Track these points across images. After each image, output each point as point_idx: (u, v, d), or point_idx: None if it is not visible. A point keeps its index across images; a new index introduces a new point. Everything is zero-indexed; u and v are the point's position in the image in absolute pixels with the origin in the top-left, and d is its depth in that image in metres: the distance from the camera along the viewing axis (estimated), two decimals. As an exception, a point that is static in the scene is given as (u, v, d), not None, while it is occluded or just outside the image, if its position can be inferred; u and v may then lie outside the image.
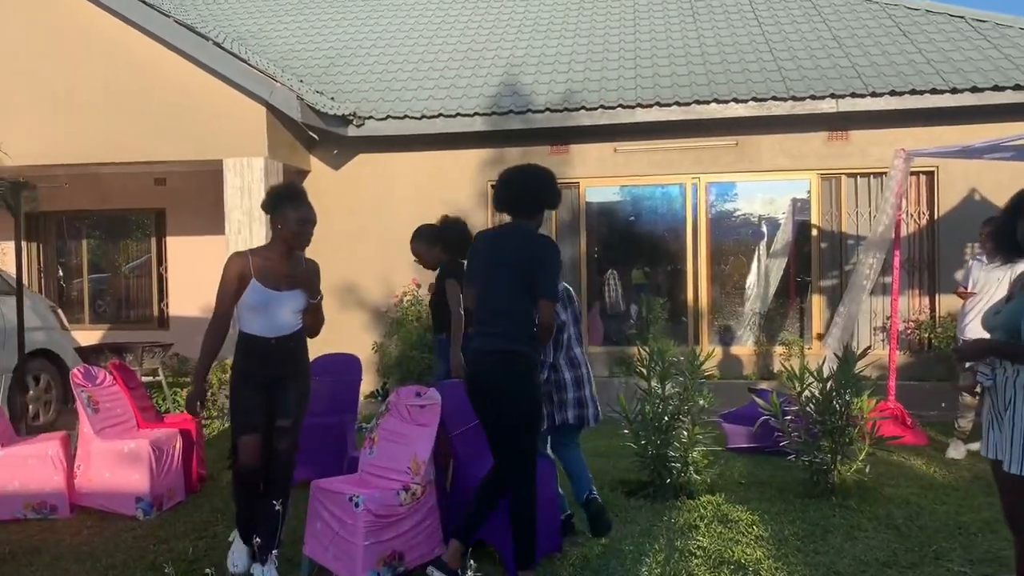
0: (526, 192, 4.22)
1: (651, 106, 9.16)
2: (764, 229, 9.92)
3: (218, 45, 8.82)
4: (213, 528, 5.04)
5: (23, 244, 7.20)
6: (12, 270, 7.01)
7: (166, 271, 12.02)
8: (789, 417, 5.69)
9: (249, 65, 8.83)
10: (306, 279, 4.26)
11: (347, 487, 4.16)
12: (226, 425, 8.14)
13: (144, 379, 6.93)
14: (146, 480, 5.32)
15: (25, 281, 7.24)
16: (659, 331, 9.34)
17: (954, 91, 8.71)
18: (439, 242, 5.79)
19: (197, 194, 11.36)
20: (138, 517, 5.26)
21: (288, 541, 4.52)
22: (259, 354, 4.22)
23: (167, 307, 12.00)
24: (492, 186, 9.96)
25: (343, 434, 5.83)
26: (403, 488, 4.13)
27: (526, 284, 3.94)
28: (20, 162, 8.96)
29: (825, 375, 5.53)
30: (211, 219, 10.82)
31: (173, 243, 11.98)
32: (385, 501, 4.05)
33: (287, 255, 4.26)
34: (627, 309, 10.28)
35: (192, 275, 11.57)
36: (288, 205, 4.20)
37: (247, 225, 8.87)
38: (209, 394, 8.21)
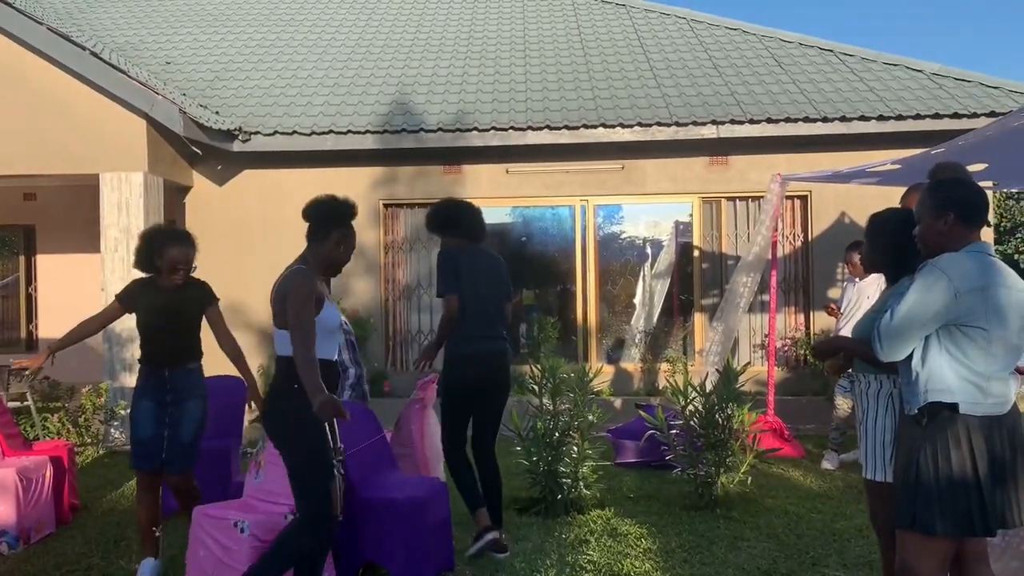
0: (465, 218, 5.06)
1: (541, 128, 9.31)
2: (649, 250, 10.21)
3: (95, 55, 8.46)
4: (87, 560, 4.77)
5: None
6: None
7: (35, 291, 11.40)
8: (674, 431, 5.85)
9: (129, 76, 8.50)
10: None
11: (232, 512, 4.03)
12: (102, 452, 7.76)
13: (11, 404, 6.52)
14: (12, 511, 4.99)
15: None
16: (550, 349, 9.46)
17: (825, 120, 9.22)
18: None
19: (70, 210, 10.85)
20: (2, 551, 4.93)
21: (165, 571, 4.34)
22: (332, 383, 3.66)
23: (36, 328, 11.37)
24: (385, 205, 9.92)
25: (227, 458, 5.64)
26: (291, 512, 4.02)
27: (505, 294, 4.95)
28: None
29: (707, 390, 5.73)
30: (85, 236, 10.34)
31: (44, 261, 11.38)
32: (272, 526, 3.94)
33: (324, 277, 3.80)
34: (517, 328, 10.37)
35: (64, 295, 11.00)
36: (347, 226, 3.80)
37: (123, 242, 8.50)
38: (82, 419, 7.82)
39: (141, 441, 4.40)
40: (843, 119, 9.22)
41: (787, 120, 9.27)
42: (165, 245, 4.44)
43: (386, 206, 9.99)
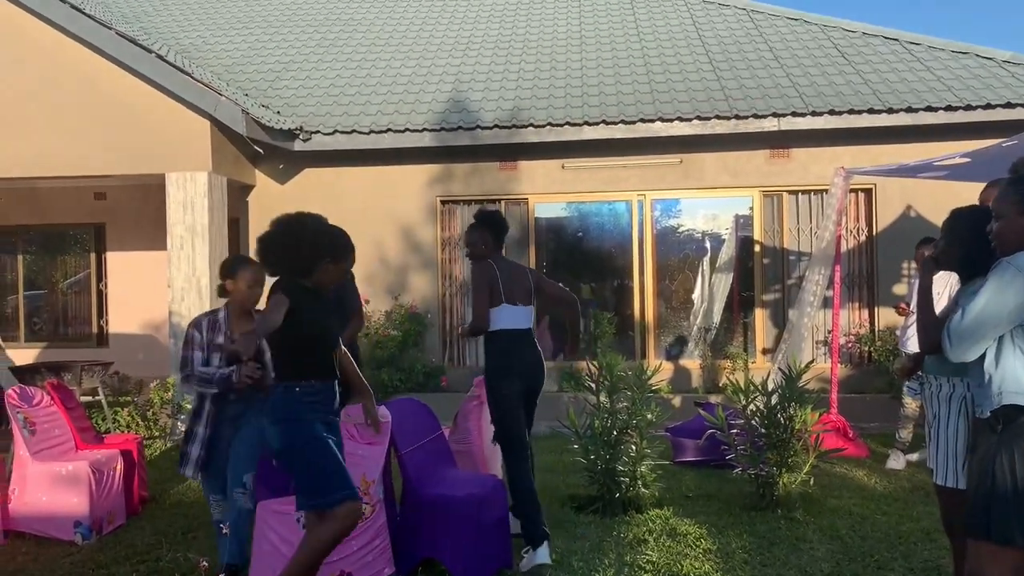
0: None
1: (597, 123, 9.26)
2: (708, 245, 10.08)
3: (161, 58, 8.68)
4: (156, 552, 4.90)
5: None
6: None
7: (106, 287, 11.74)
8: (735, 430, 5.77)
9: (193, 78, 8.70)
10: None
11: (294, 507, 4.09)
12: (169, 445, 7.97)
13: (83, 399, 6.74)
14: (85, 503, 5.16)
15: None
16: (607, 346, 9.42)
17: (890, 111, 8.98)
18: None
19: (138, 209, 11.14)
20: (76, 542, 5.10)
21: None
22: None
23: (107, 324, 11.72)
24: (441, 201, 9.98)
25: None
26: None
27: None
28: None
29: (770, 389, 5.63)
30: (152, 234, 10.63)
31: (113, 258, 11.72)
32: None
33: None
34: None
35: (133, 291, 11.33)
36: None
37: (189, 240, 8.72)
38: (150, 412, 8.04)
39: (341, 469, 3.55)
40: (909, 110, 8.98)
41: (850, 112, 9.05)
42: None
43: (443, 203, 10.05)
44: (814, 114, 9.08)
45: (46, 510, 5.19)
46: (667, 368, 9.50)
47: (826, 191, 8.95)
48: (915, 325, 6.17)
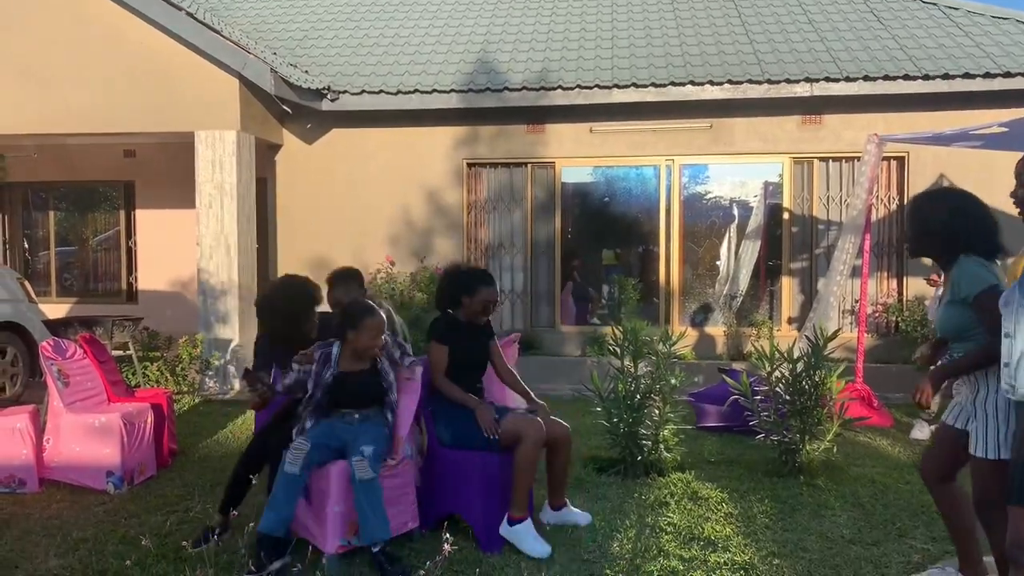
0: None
1: (627, 87, 9.17)
2: (736, 212, 10.00)
3: (190, 15, 8.67)
4: (185, 503, 5.01)
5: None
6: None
7: (135, 244, 11.87)
8: (759, 397, 5.77)
9: (222, 36, 8.69)
10: None
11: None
12: (197, 400, 8.10)
13: (114, 353, 6.85)
14: (117, 454, 5.27)
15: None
16: (631, 312, 9.41)
17: (926, 78, 8.81)
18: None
19: (167, 166, 11.20)
20: (108, 491, 5.22)
21: (255, 515, 4.51)
22: None
23: (136, 281, 11.85)
24: (468, 164, 9.95)
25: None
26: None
27: None
28: (-15, 131, 8.79)
29: (796, 356, 5.61)
30: (181, 192, 10.70)
31: (143, 216, 11.82)
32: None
33: None
34: (598, 289, 10.36)
35: (161, 248, 11.44)
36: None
37: (218, 199, 8.77)
38: (179, 368, 8.16)
39: None
40: (945, 76, 8.80)
41: (885, 78, 8.89)
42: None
43: (469, 165, 10.02)
44: (848, 79, 8.93)
45: (79, 460, 5.31)
46: (692, 335, 9.48)
47: (858, 159, 8.82)
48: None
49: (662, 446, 5.57)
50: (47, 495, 5.20)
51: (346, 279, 5.06)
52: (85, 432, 5.32)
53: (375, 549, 3.88)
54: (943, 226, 3.28)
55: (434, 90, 9.47)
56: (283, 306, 4.53)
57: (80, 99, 8.83)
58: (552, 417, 4.45)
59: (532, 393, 4.64)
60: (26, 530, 4.59)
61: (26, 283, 8.40)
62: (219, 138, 8.75)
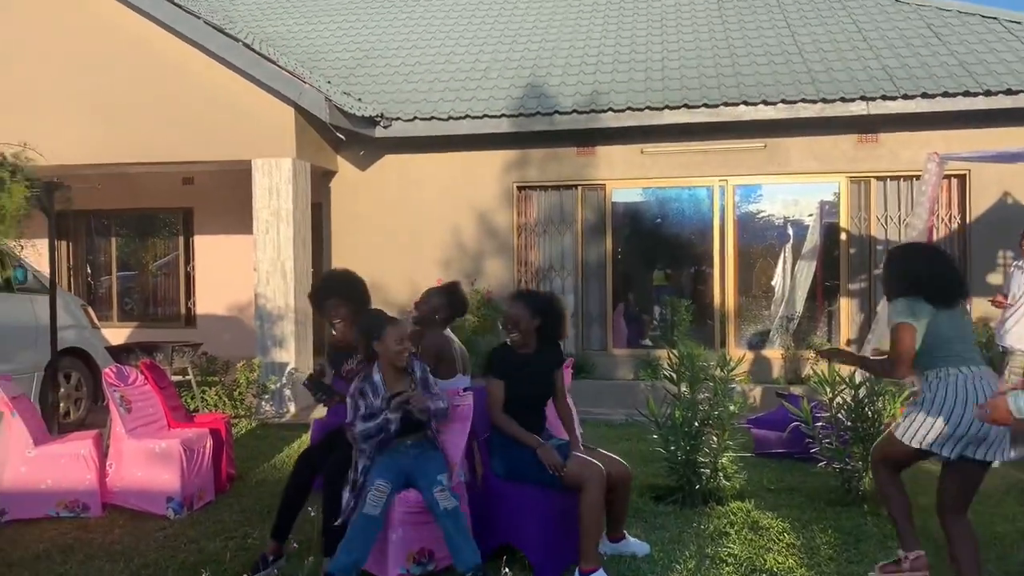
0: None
1: (679, 108, 9.12)
2: (791, 232, 9.85)
3: (247, 46, 8.87)
4: (243, 529, 5.05)
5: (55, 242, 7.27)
6: (44, 268, 7.09)
7: (193, 270, 12.12)
8: (820, 423, 5.64)
9: (278, 66, 8.87)
10: None
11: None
12: (254, 424, 8.20)
13: (174, 378, 6.97)
14: (176, 479, 5.34)
15: (56, 279, 7.30)
16: (683, 334, 9.31)
17: (988, 94, 8.60)
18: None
19: (225, 193, 11.45)
20: (168, 516, 5.29)
21: (318, 539, 4.53)
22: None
23: (194, 305, 12.10)
24: (518, 187, 9.97)
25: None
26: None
27: None
28: (53, 162, 9.05)
29: (858, 381, 5.47)
30: (238, 218, 10.91)
31: (201, 242, 12.09)
32: (416, 496, 4.05)
33: None
34: (650, 311, 10.27)
35: (219, 274, 11.68)
36: None
37: (274, 225, 8.92)
38: (236, 392, 8.28)
39: None
40: (1008, 92, 8.59)
41: (944, 95, 8.71)
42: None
43: (519, 188, 10.05)
44: (906, 97, 8.76)
45: (140, 485, 5.40)
46: (747, 357, 9.31)
47: (916, 177, 8.67)
48: (1014, 317, 5.90)
49: (721, 474, 5.47)
50: (109, 519, 5.30)
51: (450, 294, 5.09)
52: (146, 457, 5.41)
53: None
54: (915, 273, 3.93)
55: (485, 115, 9.53)
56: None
57: (142, 129, 9.07)
58: (612, 456, 4.38)
59: (579, 439, 4.52)
60: (89, 555, 4.67)
61: (89, 310, 8.61)
62: (275, 165, 8.91)
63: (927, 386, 3.83)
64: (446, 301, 5.02)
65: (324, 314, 4.84)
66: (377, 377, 4.15)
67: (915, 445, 3.81)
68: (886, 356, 4.03)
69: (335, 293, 4.81)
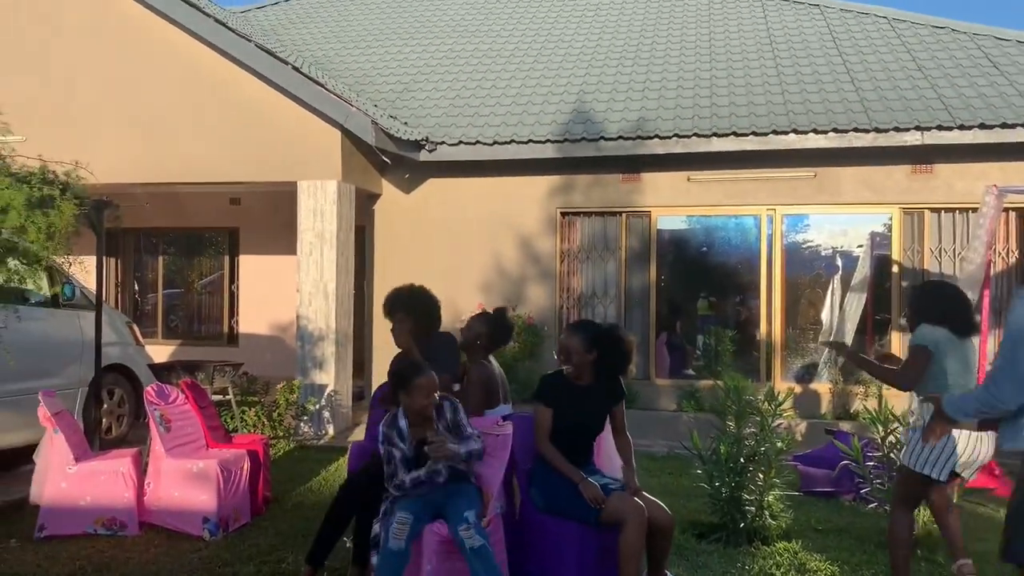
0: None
1: (727, 135, 8.99)
2: (840, 263, 9.63)
3: (296, 69, 8.96)
4: (278, 553, 4.99)
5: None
6: (91, 285, 7.17)
7: (237, 289, 12.23)
8: (871, 463, 5.43)
9: (326, 89, 8.94)
10: None
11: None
12: (292, 445, 8.17)
13: (214, 397, 6.98)
14: (213, 500, 5.32)
15: (103, 296, 7.38)
16: (727, 365, 9.12)
17: (1048, 125, 8.35)
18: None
19: (270, 214, 11.55)
20: (204, 537, 5.26)
21: (343, 566, 4.46)
22: None
23: (237, 324, 12.19)
24: (562, 213, 9.90)
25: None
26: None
27: None
28: (102, 180, 9.20)
29: (911, 420, 5.26)
30: (283, 239, 10.98)
31: (245, 261, 12.20)
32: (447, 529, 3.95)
33: None
34: (693, 341, 10.10)
35: (262, 293, 11.76)
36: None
37: (318, 247, 8.95)
38: (275, 413, 8.27)
39: None
40: (1071, 123, 8.31)
41: (1003, 126, 8.48)
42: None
43: (563, 214, 9.97)
44: (962, 128, 8.54)
45: (177, 505, 5.38)
46: (794, 391, 9.09)
47: (972, 210, 8.42)
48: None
49: (767, 512, 5.29)
50: (146, 539, 5.28)
51: (493, 320, 4.98)
52: (184, 477, 5.40)
53: None
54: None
55: (530, 140, 9.50)
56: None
57: (190, 149, 9.19)
58: (655, 501, 4.21)
59: (634, 474, 4.34)
60: (124, 574, 4.65)
61: (134, 327, 8.69)
62: (320, 187, 8.95)
63: (925, 410, 4.20)
64: (488, 329, 4.94)
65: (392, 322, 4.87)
66: (403, 423, 4.06)
67: (917, 470, 4.21)
68: (894, 368, 4.55)
69: (401, 307, 4.80)
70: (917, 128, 8.63)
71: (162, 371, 7.51)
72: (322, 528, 4.42)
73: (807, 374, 5.43)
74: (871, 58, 10.57)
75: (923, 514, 5.17)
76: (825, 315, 9.59)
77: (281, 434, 8.22)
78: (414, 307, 4.80)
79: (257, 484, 5.88)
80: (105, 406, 7.72)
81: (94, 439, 6.66)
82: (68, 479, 5.34)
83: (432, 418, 4.04)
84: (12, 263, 4.90)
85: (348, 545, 4.46)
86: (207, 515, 5.31)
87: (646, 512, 4.01)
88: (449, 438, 4.00)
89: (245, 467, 5.68)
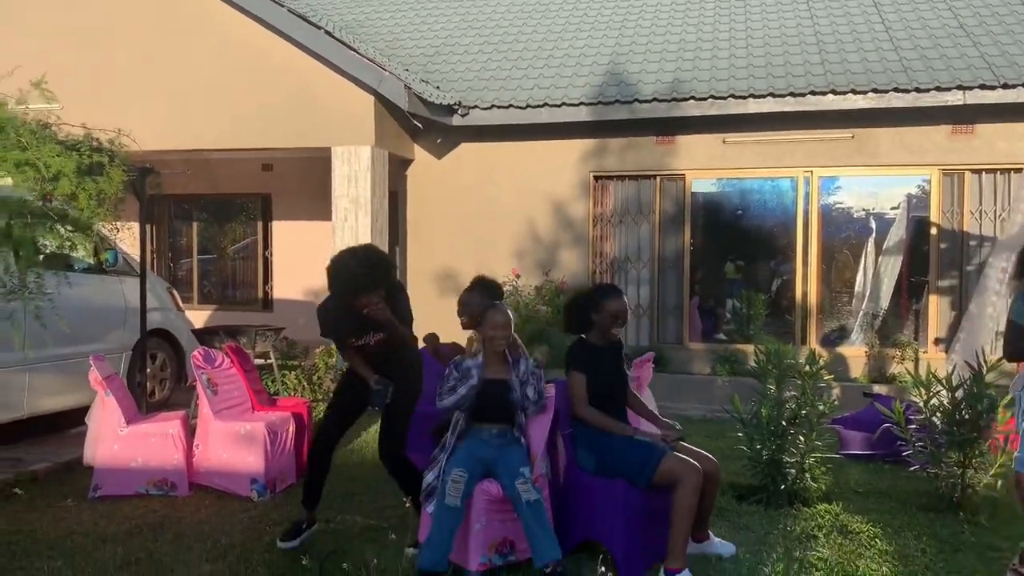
0: None
1: (764, 96, 8.88)
2: (874, 225, 9.54)
3: (329, 34, 8.94)
4: (325, 512, 5.08)
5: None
6: (134, 252, 7.27)
7: (271, 254, 12.33)
8: (913, 426, 5.43)
9: (359, 54, 8.92)
10: None
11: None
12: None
13: (256, 362, 7.08)
14: (261, 462, 5.44)
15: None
16: (759, 327, 9.11)
17: (1095, 83, 8.16)
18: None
19: (303, 180, 11.60)
20: (252, 498, 5.38)
21: (401, 528, 4.55)
22: None
23: (271, 290, 12.31)
24: (595, 177, 9.86)
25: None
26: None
27: None
28: (141, 148, 9.29)
29: (954, 382, 5.25)
30: (316, 205, 11.04)
31: (278, 227, 12.29)
32: (498, 488, 4.02)
33: None
34: (722, 304, 10.11)
35: (296, 259, 11.84)
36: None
37: (353, 212, 8.99)
38: (315, 376, 8.37)
39: None
40: (1119, 81, 8.12)
41: (1049, 84, 8.28)
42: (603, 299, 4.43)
43: (596, 178, 9.93)
44: (1006, 87, 8.37)
45: (226, 466, 5.50)
46: (829, 354, 9.06)
47: (1015, 170, 8.29)
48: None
49: (807, 475, 5.31)
50: (196, 499, 5.41)
51: (490, 289, 5.02)
52: (232, 439, 5.51)
53: (547, 570, 3.83)
54: None
55: (563, 103, 9.43)
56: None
57: (225, 117, 9.22)
58: (703, 453, 4.29)
59: (659, 416, 4.54)
60: (178, 533, 4.77)
61: (174, 292, 8.81)
62: (354, 153, 8.97)
63: None
64: (481, 296, 4.90)
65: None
66: (477, 368, 4.18)
67: None
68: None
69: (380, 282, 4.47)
70: (959, 87, 8.46)
71: (205, 335, 7.62)
72: (308, 476, 4.74)
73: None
74: (910, 15, 10.35)
75: (968, 478, 5.18)
76: (861, 279, 9.51)
77: (321, 397, 8.30)
78: (381, 276, 4.39)
79: (301, 446, 5.98)
80: (148, 370, 7.86)
81: (141, 402, 6.80)
82: (120, 441, 5.47)
83: (506, 359, 4.22)
84: (63, 230, 4.98)
85: (407, 505, 4.57)
86: (255, 476, 5.43)
87: (701, 471, 4.06)
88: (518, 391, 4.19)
89: (290, 429, 5.79)
